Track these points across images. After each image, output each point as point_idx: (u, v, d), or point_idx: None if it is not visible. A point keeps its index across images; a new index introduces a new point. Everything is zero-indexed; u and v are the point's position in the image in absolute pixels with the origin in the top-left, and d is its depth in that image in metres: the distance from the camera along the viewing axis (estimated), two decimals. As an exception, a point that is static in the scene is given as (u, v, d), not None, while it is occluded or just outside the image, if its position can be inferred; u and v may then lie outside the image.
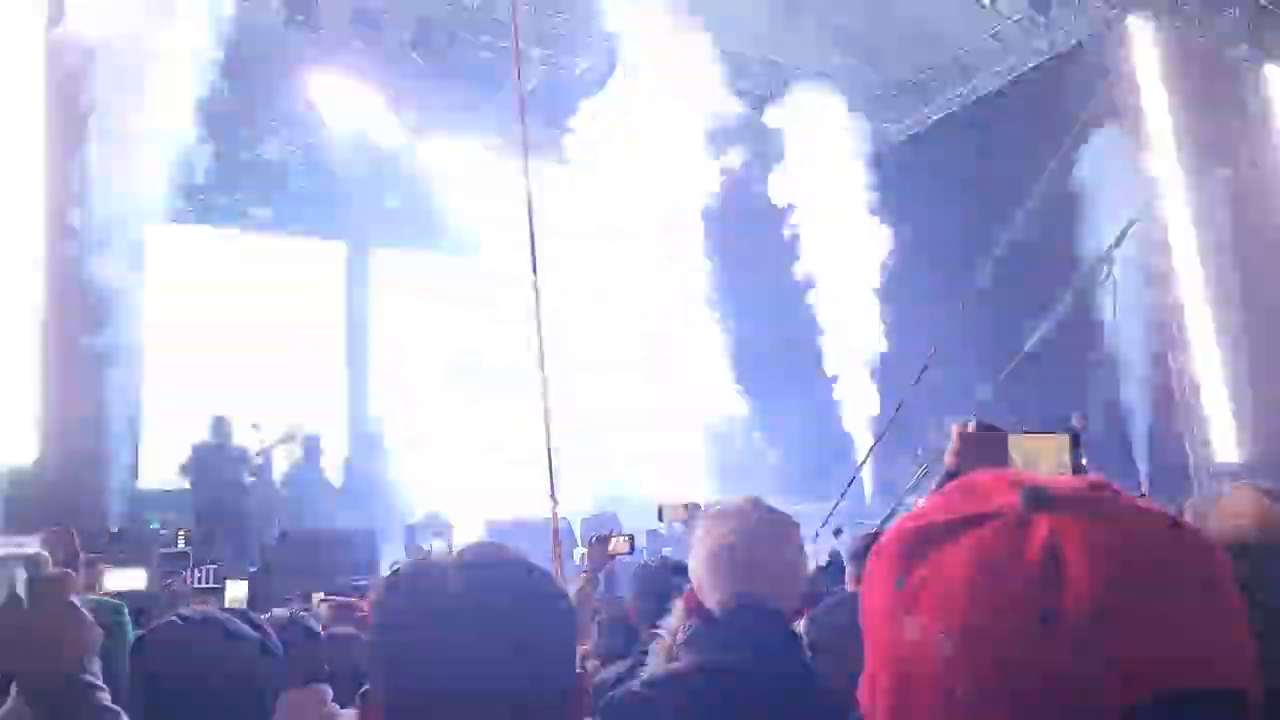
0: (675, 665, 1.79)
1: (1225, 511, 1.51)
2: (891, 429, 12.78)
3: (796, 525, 1.78)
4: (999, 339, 7.88)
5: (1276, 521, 1.48)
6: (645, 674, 1.90)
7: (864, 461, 11.40)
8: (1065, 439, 1.85)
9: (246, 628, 1.76)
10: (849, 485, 8.35)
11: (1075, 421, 12.27)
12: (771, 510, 1.77)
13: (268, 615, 2.78)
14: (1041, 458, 1.82)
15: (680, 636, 1.92)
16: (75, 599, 1.26)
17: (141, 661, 1.57)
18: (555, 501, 6.10)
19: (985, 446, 1.73)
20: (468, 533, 10.04)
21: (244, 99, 12.39)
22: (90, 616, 1.27)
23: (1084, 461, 1.94)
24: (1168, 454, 11.63)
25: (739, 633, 1.68)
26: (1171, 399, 11.38)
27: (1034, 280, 8.52)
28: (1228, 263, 11.58)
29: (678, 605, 1.95)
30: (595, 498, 12.56)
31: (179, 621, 1.61)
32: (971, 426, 1.78)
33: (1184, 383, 11.34)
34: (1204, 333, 11.50)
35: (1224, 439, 11.42)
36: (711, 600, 1.73)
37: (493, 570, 1.04)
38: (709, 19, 11.67)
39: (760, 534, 1.71)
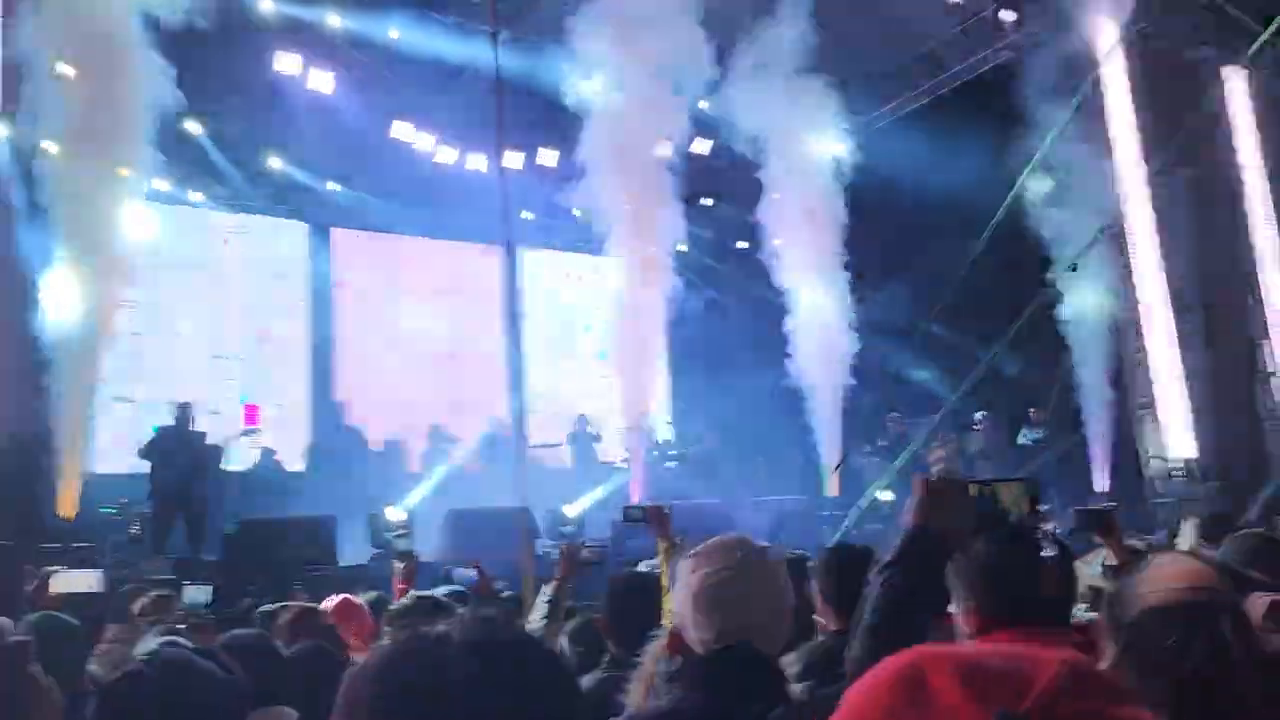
0: (658, 704, 1.76)
1: (1157, 576, 1.52)
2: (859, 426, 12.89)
3: (784, 564, 1.75)
4: (967, 336, 7.94)
5: (1206, 584, 1.50)
6: (627, 712, 1.87)
7: (840, 465, 11.52)
8: (1022, 485, 1.84)
9: (208, 666, 1.71)
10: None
11: (1033, 416, 12.46)
12: (759, 549, 1.74)
13: (228, 636, 2.71)
14: (1000, 503, 1.80)
15: (661, 669, 1.89)
16: (37, 669, 1.20)
17: (106, 712, 1.51)
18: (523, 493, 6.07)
19: (948, 499, 1.70)
20: (430, 526, 9.95)
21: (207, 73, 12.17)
22: (52, 685, 1.21)
23: (1040, 507, 1.94)
24: (1125, 451, 11.80)
25: (723, 674, 1.65)
26: (1129, 398, 11.54)
27: (1000, 284, 8.56)
28: (1187, 262, 11.75)
29: (659, 641, 1.91)
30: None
31: (140, 672, 1.55)
32: (934, 478, 1.75)
33: (1142, 382, 11.49)
34: (1161, 332, 11.65)
35: (1179, 438, 11.58)
36: (695, 638, 1.69)
37: (499, 652, 0.97)
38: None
39: (746, 574, 1.68)
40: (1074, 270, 5.79)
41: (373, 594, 4.61)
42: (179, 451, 9.07)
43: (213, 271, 13.95)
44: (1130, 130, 11.85)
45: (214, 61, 12.67)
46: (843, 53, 13.19)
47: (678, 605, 1.74)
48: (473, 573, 5.77)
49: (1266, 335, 12.38)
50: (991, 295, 9.21)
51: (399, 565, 4.62)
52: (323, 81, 12.34)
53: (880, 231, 13.50)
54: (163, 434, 9.41)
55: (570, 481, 13.12)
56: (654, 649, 2.00)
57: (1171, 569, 1.56)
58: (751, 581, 1.67)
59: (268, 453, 12.42)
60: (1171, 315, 11.61)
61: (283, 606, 4.02)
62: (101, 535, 9.03)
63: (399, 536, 8.49)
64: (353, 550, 9.63)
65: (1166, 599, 1.45)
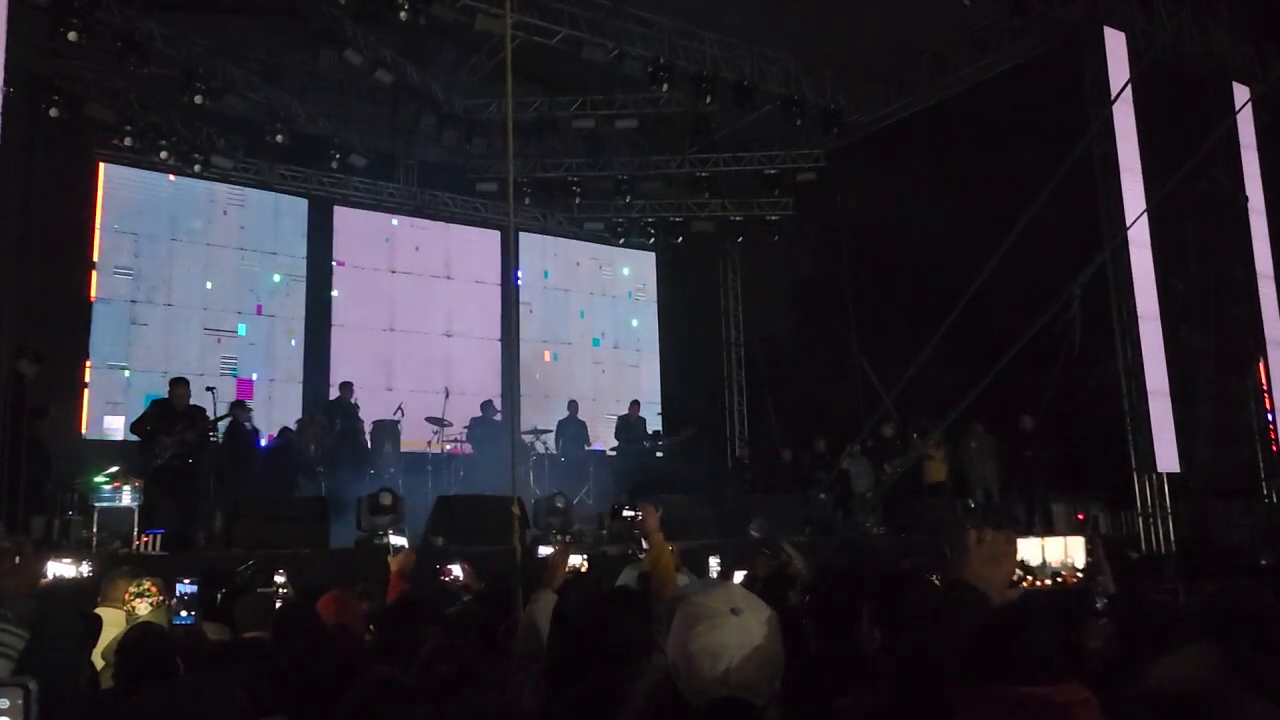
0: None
1: (1183, 663, 1.58)
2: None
3: (775, 616, 1.78)
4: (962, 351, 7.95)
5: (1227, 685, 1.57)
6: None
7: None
8: (1079, 539, 1.93)
9: (205, 690, 1.75)
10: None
11: (1025, 423, 12.49)
12: (752, 602, 1.77)
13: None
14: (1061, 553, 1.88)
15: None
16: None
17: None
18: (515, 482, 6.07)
19: (995, 550, 1.77)
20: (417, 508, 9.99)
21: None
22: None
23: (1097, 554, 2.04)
24: (1116, 464, 11.81)
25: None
26: (1122, 410, 11.57)
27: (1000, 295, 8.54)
28: (1190, 278, 11.79)
29: (648, 683, 1.94)
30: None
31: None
32: (987, 534, 1.81)
33: (1135, 394, 11.52)
34: (1156, 347, 11.65)
35: (1167, 452, 11.59)
36: (687, 689, 1.72)
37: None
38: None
39: (739, 629, 1.71)
40: (1077, 293, 5.81)
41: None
42: (173, 426, 9.03)
43: (211, 244, 13.92)
44: (1135, 142, 11.84)
45: (222, 31, 12.65)
46: (844, 49, 13.17)
47: (671, 652, 1.76)
48: (456, 569, 5.81)
49: (1264, 350, 12.46)
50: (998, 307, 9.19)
51: (393, 560, 4.65)
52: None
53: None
54: (157, 407, 9.37)
55: (558, 468, 13.15)
56: (644, 687, 2.03)
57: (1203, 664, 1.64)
58: (744, 636, 1.70)
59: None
60: (1164, 330, 11.63)
61: (273, 597, 4.05)
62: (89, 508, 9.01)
63: (384, 511, 8.54)
64: (340, 533, 9.64)
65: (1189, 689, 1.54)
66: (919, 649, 1.69)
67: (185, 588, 4.36)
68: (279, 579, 5.34)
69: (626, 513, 5.45)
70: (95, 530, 8.98)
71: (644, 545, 4.15)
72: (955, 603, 1.76)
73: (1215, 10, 12.94)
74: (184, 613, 4.20)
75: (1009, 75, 13.13)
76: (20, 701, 1.20)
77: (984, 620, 1.73)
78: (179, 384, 9.36)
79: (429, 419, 12.73)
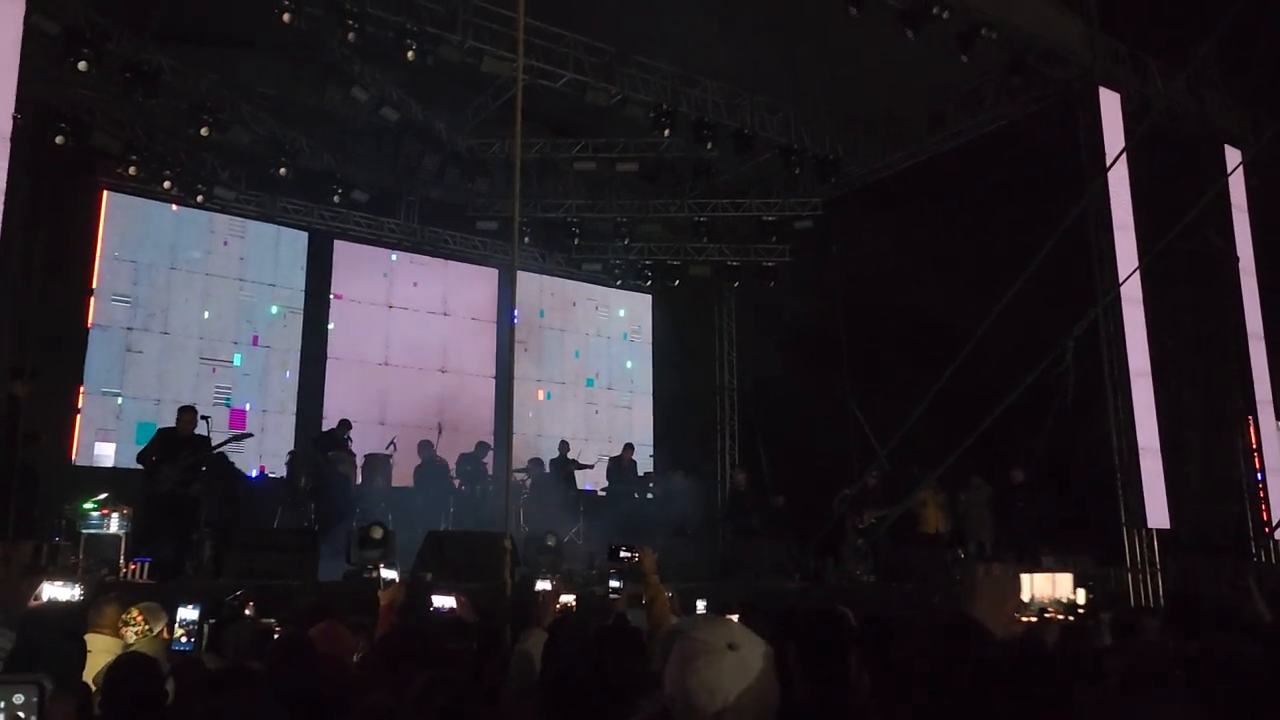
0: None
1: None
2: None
3: (771, 651, 1.81)
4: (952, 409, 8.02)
5: None
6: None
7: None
8: (1068, 576, 2.00)
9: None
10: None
11: (1016, 476, 12.52)
12: (749, 637, 1.80)
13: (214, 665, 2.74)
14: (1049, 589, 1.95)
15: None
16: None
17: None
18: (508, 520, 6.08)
19: (1001, 585, 1.83)
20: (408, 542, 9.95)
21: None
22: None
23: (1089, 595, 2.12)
24: (1107, 518, 11.83)
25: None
26: (1113, 466, 11.61)
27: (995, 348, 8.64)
28: (1181, 337, 11.91)
29: (644, 717, 1.96)
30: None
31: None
32: (996, 569, 1.87)
33: (1126, 450, 11.57)
34: (1147, 404, 11.73)
35: (1157, 508, 11.63)
36: (684, 721, 1.74)
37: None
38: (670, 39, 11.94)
39: (737, 664, 1.73)
40: (1070, 346, 5.88)
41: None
42: (176, 455, 9.01)
43: (210, 273, 13.97)
44: (1129, 203, 12.00)
45: (231, 65, 12.82)
46: (842, 99, 13.39)
47: (668, 686, 1.79)
48: (452, 600, 5.80)
49: (1254, 409, 12.55)
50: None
51: (383, 594, 4.63)
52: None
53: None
54: (161, 436, 9.36)
55: (548, 507, 13.11)
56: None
57: None
58: (741, 670, 1.73)
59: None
60: (1157, 389, 11.71)
61: (268, 628, 4.03)
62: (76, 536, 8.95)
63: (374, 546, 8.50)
64: (330, 566, 9.59)
65: None
66: (921, 683, 1.72)
67: (187, 614, 4.33)
68: (248, 613, 5.30)
69: (624, 554, 5.48)
70: (82, 556, 8.91)
71: (615, 585, 4.17)
72: (960, 638, 1.79)
73: (1208, 75, 13.21)
74: (183, 639, 4.17)
75: (1005, 131, 13.36)
76: (35, 699, 1.24)
77: (988, 655, 1.77)
78: (186, 413, 9.35)
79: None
